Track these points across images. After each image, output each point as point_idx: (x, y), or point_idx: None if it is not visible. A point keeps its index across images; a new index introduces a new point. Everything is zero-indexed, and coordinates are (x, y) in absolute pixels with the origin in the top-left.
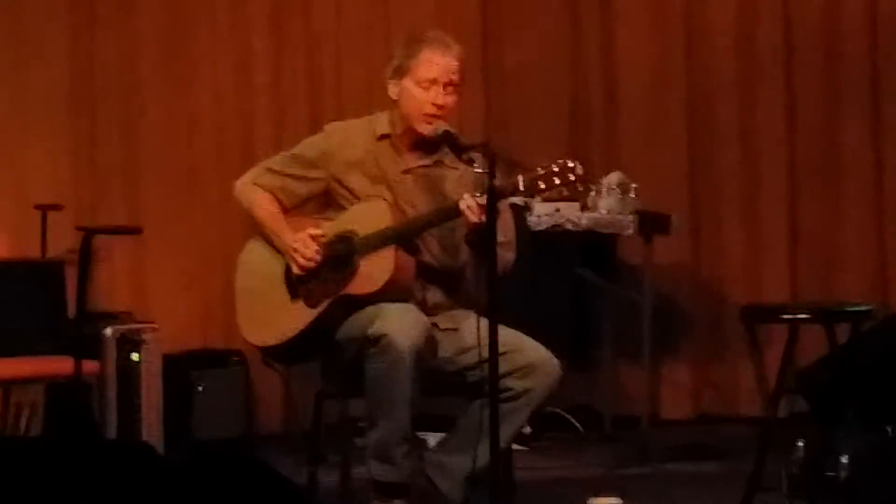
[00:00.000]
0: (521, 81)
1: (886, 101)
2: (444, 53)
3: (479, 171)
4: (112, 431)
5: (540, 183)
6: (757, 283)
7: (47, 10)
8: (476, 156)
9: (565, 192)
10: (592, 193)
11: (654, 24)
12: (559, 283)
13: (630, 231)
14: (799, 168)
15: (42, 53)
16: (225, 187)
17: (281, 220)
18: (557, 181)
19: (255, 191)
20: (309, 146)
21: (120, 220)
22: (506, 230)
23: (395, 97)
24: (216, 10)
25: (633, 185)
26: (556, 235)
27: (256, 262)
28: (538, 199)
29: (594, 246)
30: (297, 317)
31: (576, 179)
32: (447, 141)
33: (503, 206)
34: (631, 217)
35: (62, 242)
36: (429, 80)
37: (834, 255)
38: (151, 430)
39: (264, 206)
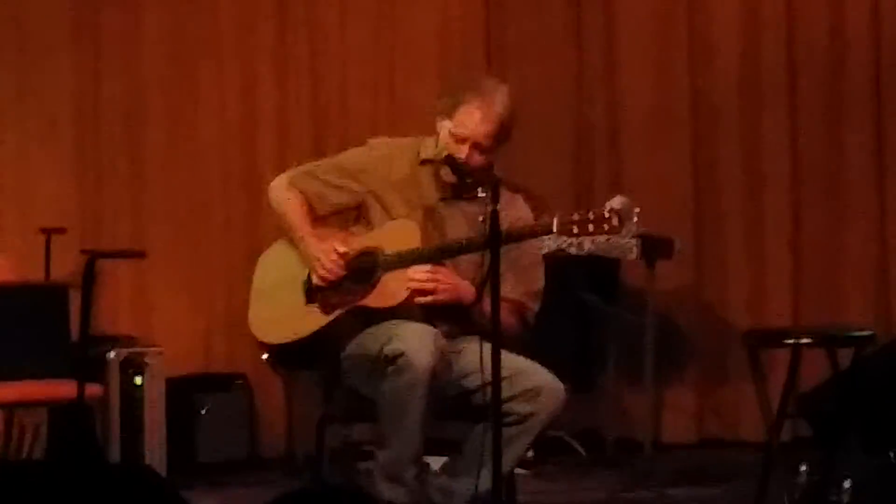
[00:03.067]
0: (524, 105)
1: (890, 123)
2: (482, 117)
3: (483, 195)
4: (115, 455)
5: (574, 228)
6: (760, 307)
7: (52, 36)
8: (479, 180)
9: (599, 238)
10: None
11: (657, 47)
12: (563, 308)
13: (633, 255)
14: (802, 192)
15: (47, 78)
16: (229, 210)
17: (310, 227)
18: (591, 228)
19: (289, 192)
20: (352, 158)
21: (124, 243)
22: (529, 279)
23: (438, 131)
24: (221, 36)
25: (637, 209)
26: (560, 260)
27: (278, 263)
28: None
29: (598, 270)
30: (309, 320)
31: (609, 230)
32: (450, 165)
33: (534, 246)
34: (634, 241)
35: (66, 266)
36: (459, 137)
37: (837, 280)
38: (155, 453)
39: (296, 210)
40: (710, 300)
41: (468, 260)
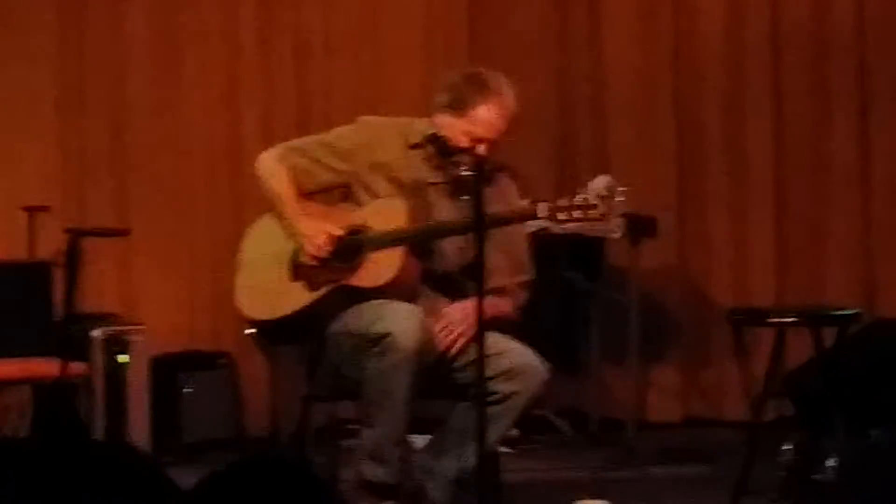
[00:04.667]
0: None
1: (875, 102)
2: (499, 116)
3: (467, 173)
4: (99, 433)
5: (560, 214)
6: (744, 286)
7: (36, 12)
8: (463, 160)
9: (583, 228)
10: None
11: (641, 26)
12: (546, 286)
13: (617, 234)
14: (786, 171)
15: (30, 55)
16: (213, 189)
17: (297, 203)
18: (578, 215)
19: (277, 166)
20: (341, 137)
21: (107, 221)
22: (520, 270)
23: (440, 125)
24: (205, 13)
25: (621, 189)
26: (544, 238)
27: (265, 237)
28: (525, 201)
29: (581, 249)
30: (294, 297)
31: (596, 218)
32: (435, 144)
33: (521, 231)
34: (618, 220)
35: (50, 244)
36: (478, 138)
37: (821, 259)
38: (139, 431)
39: (283, 185)
40: (695, 279)
41: (451, 243)
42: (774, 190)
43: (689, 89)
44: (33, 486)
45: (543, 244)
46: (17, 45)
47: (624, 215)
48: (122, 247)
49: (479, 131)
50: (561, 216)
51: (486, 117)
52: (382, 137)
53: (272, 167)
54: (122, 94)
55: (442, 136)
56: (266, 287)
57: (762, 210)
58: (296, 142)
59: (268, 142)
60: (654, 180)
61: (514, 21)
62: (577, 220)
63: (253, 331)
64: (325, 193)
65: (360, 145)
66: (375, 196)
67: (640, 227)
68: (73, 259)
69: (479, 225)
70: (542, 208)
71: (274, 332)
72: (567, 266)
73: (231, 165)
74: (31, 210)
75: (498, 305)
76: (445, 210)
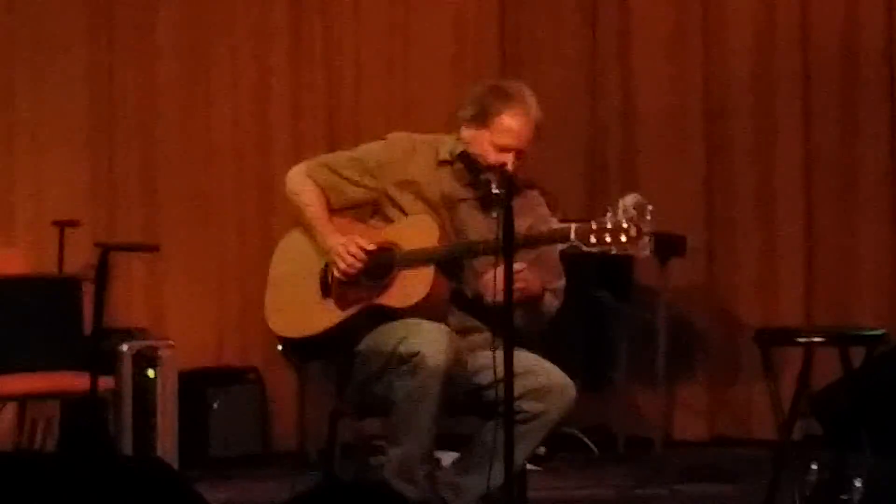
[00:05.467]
0: (538, 103)
1: None
2: (523, 123)
3: (496, 192)
4: (127, 448)
5: (591, 237)
6: (772, 305)
7: (67, 28)
8: (492, 176)
9: (613, 251)
10: (608, 214)
11: (671, 47)
12: (575, 305)
13: (646, 253)
14: (815, 191)
15: (61, 71)
16: (242, 204)
17: (327, 218)
18: (609, 239)
19: (306, 182)
20: (370, 153)
21: (137, 236)
22: (554, 276)
23: (466, 139)
24: (235, 28)
25: (650, 207)
26: (572, 257)
27: (295, 253)
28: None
29: (610, 268)
30: (324, 315)
31: (627, 242)
32: (464, 161)
33: (552, 251)
34: (646, 239)
35: (79, 259)
36: (504, 147)
37: (850, 278)
38: (166, 446)
39: (313, 201)
40: (723, 298)
41: (484, 261)
42: (803, 210)
43: (718, 107)
44: (61, 501)
45: (572, 263)
46: (49, 62)
47: (653, 234)
48: (151, 262)
49: (505, 140)
50: (592, 238)
51: (509, 125)
52: (412, 154)
53: (301, 183)
54: (152, 110)
55: (472, 154)
56: (296, 304)
57: (790, 230)
58: (324, 157)
59: (297, 157)
60: (684, 199)
61: (544, 37)
62: (607, 243)
63: (281, 347)
64: (354, 210)
65: (389, 161)
66: (403, 213)
67: (668, 246)
68: (102, 274)
69: (509, 242)
70: (573, 230)
71: (304, 349)
72: (595, 285)
73: (260, 181)
74: (61, 225)
75: (543, 282)
76: (475, 227)
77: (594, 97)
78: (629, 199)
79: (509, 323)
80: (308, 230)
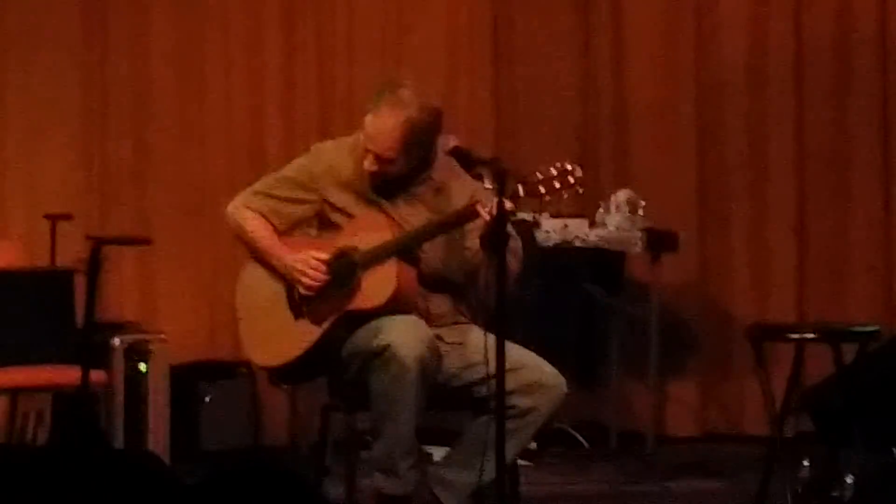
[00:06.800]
0: (530, 98)
1: None
2: (380, 129)
3: (489, 187)
4: (119, 441)
5: (540, 187)
6: (764, 301)
7: (60, 22)
8: (485, 171)
9: (566, 196)
10: (601, 210)
11: (664, 41)
12: (567, 300)
13: (638, 248)
14: (807, 187)
15: (53, 64)
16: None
17: (277, 241)
18: (558, 185)
19: (245, 213)
20: (297, 168)
21: (129, 230)
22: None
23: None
24: (228, 23)
25: (642, 203)
26: (565, 252)
27: (256, 285)
28: (545, 215)
29: (602, 263)
30: (301, 336)
31: (576, 182)
32: (457, 156)
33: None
34: (639, 234)
35: (71, 252)
36: (364, 146)
37: (842, 275)
38: (158, 440)
39: (257, 230)
40: (715, 294)
41: (431, 244)
42: (795, 206)
43: (710, 104)
44: (52, 493)
45: (565, 258)
46: (41, 57)
47: (645, 229)
48: (143, 255)
49: (365, 139)
50: (542, 189)
51: (368, 127)
52: (339, 157)
53: (241, 215)
54: (145, 103)
55: (462, 148)
56: (272, 333)
57: (783, 226)
58: (254, 186)
59: (291, 151)
60: (676, 195)
61: (537, 35)
62: (558, 189)
63: (270, 377)
64: (300, 228)
65: (318, 171)
66: (348, 214)
67: (660, 241)
68: (94, 267)
69: (501, 234)
70: (521, 188)
71: (292, 374)
72: (588, 280)
73: (253, 175)
74: (53, 218)
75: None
76: (417, 212)
77: (586, 92)
78: (621, 195)
79: (503, 319)
80: (263, 258)
